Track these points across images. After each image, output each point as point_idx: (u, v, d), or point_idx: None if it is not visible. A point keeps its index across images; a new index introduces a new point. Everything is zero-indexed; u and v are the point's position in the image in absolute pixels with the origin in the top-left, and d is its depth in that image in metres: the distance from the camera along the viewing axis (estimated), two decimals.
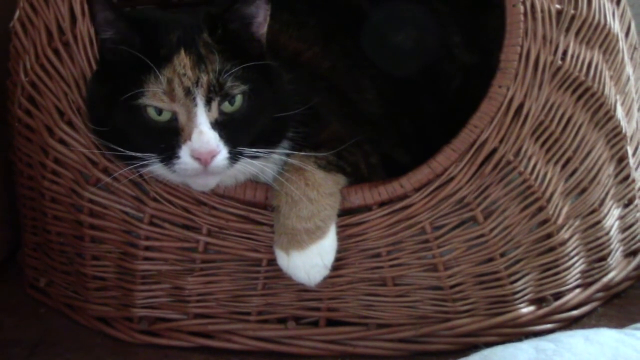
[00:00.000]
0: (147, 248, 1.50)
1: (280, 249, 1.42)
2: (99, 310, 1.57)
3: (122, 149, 1.33)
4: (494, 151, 1.44)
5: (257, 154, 1.35)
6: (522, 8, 1.41)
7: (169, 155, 1.31)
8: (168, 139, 1.31)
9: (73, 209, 1.53)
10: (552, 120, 1.47)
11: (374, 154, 1.55)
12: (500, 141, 1.44)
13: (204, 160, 1.29)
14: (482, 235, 1.48)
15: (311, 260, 1.41)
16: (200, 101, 1.30)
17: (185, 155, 1.30)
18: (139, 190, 1.47)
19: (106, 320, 1.58)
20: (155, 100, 1.30)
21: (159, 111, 1.31)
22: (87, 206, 1.51)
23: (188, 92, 1.30)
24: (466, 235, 1.47)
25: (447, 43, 1.74)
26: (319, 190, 1.41)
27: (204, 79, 1.30)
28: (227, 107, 1.32)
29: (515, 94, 1.43)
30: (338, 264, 1.46)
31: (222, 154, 1.31)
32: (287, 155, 1.43)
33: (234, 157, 1.32)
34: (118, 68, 1.33)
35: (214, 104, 1.31)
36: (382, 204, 1.46)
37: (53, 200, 1.56)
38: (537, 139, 1.46)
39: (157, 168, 1.35)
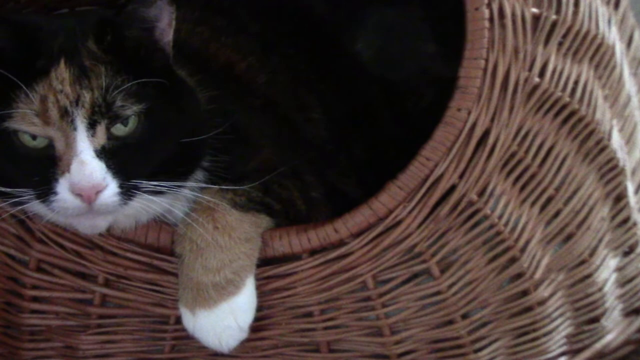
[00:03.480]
0: (34, 299, 1.25)
1: (185, 307, 1.16)
2: None
3: None
4: (451, 189, 1.16)
5: (159, 188, 1.10)
6: (486, 12, 1.13)
7: (44, 190, 1.06)
8: (43, 170, 1.06)
9: None
10: (527, 151, 1.19)
11: (317, 186, 1.29)
12: (460, 177, 1.16)
13: (86, 196, 1.05)
14: (438, 293, 1.20)
15: (222, 322, 1.15)
16: (80, 124, 1.05)
17: (63, 190, 1.05)
18: (22, 228, 1.22)
19: None
20: (25, 123, 1.05)
21: (33, 136, 1.06)
22: None
23: (65, 113, 1.05)
24: (418, 292, 1.21)
25: (418, 53, 1.46)
26: (231, 235, 1.14)
27: (87, 97, 1.06)
28: (118, 130, 1.07)
29: (479, 119, 1.15)
30: (260, 324, 1.20)
31: (111, 188, 1.06)
32: (202, 189, 1.17)
33: (127, 192, 1.07)
34: None
35: (100, 128, 1.06)
36: (313, 252, 1.18)
37: None
38: (508, 174, 1.19)
39: (34, 205, 1.10)
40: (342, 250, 1.18)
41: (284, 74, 1.37)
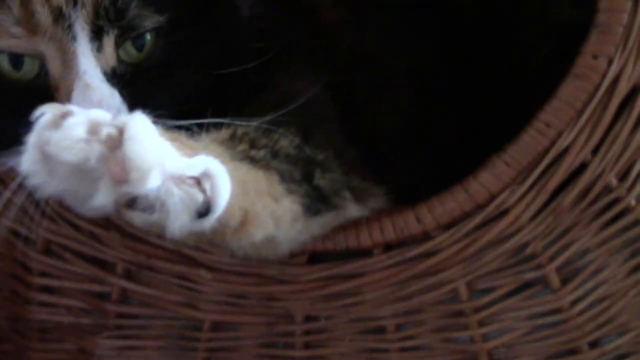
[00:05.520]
0: (42, 288, 1.00)
1: None
2: None
3: None
4: (581, 168, 0.84)
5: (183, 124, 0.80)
6: None
7: None
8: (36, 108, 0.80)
9: None
10: None
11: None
12: (594, 152, 0.84)
13: None
14: (558, 310, 0.89)
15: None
16: (81, 32, 0.78)
17: None
18: (29, 199, 0.97)
19: None
20: (4, 36, 0.78)
21: (15, 61, 0.79)
22: None
23: (60, 16, 0.78)
24: (530, 308, 0.90)
25: None
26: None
27: None
28: (131, 52, 0.81)
29: (624, 71, 0.82)
30: (317, 338, 0.93)
31: None
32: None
33: None
34: None
35: (108, 41, 0.79)
36: (388, 248, 0.89)
37: None
38: None
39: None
40: (427, 246, 0.88)
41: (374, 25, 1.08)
